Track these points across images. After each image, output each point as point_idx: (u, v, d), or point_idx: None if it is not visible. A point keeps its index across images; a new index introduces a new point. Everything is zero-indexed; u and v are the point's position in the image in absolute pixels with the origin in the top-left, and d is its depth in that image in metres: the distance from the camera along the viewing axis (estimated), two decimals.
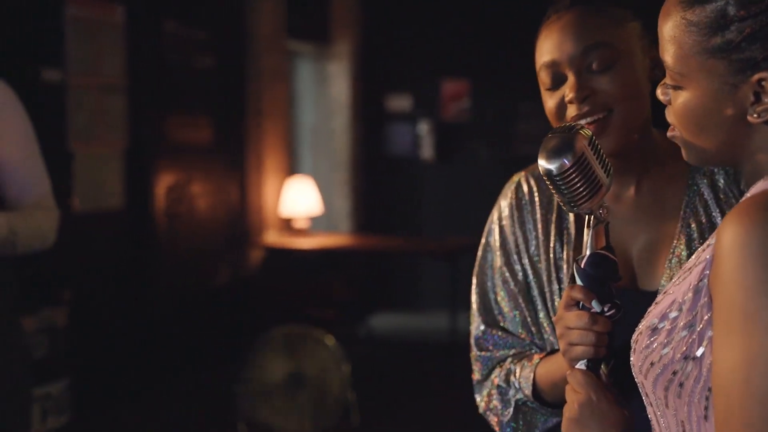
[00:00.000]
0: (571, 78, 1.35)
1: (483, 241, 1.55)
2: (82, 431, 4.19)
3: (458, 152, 7.34)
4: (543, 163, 1.16)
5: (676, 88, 1.06)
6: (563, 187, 1.16)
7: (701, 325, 0.96)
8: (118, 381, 4.81)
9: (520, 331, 1.48)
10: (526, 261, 1.47)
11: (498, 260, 1.50)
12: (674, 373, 0.98)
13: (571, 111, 1.35)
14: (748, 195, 1.00)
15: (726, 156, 1.06)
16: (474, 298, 1.54)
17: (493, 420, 1.49)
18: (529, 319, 1.47)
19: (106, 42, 4.76)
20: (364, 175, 7.47)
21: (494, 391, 1.47)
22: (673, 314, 1.00)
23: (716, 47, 1.00)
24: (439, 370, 5.39)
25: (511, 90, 6.55)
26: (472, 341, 1.53)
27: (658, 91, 1.11)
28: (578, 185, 1.16)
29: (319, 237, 6.23)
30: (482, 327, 1.51)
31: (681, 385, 0.98)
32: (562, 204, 1.21)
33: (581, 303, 1.20)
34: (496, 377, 1.47)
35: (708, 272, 0.96)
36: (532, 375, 1.40)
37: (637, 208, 1.42)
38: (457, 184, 7.19)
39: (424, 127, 7.37)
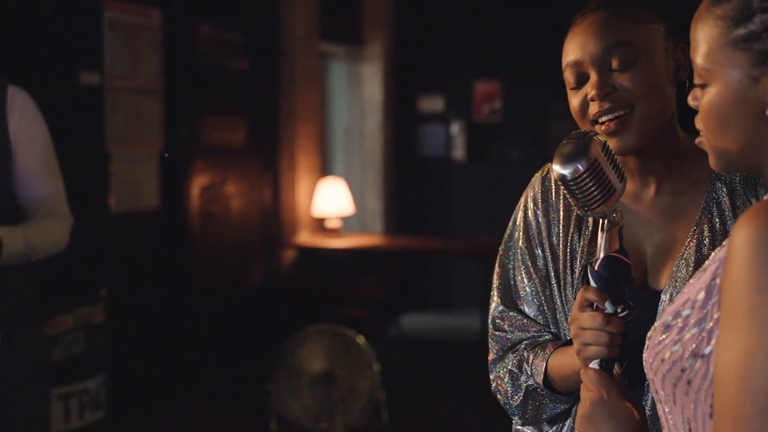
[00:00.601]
0: (593, 76, 1.39)
1: (509, 226, 1.58)
2: (118, 426, 4.25)
3: (490, 153, 7.36)
4: (557, 169, 1.20)
5: (704, 87, 1.08)
6: (577, 192, 1.20)
7: (711, 324, 0.98)
8: (153, 378, 4.89)
9: (536, 314, 1.52)
10: (547, 248, 1.51)
11: (521, 245, 1.54)
12: (683, 370, 1.00)
13: (593, 108, 1.39)
14: (764, 198, 1.02)
15: (749, 159, 1.07)
16: (495, 278, 1.58)
17: (501, 401, 1.54)
18: (545, 305, 1.51)
19: (143, 45, 4.84)
20: (397, 175, 7.52)
21: (506, 375, 1.51)
22: (686, 312, 1.02)
23: (740, 38, 1.02)
24: (469, 370, 5.40)
25: (543, 90, 6.56)
26: (489, 320, 1.57)
27: (689, 97, 1.13)
28: (592, 190, 1.20)
29: (350, 237, 6.29)
30: (500, 307, 1.55)
31: (689, 382, 0.99)
32: (576, 208, 1.24)
33: (595, 304, 1.23)
34: (509, 361, 1.51)
35: (720, 271, 0.97)
36: (544, 364, 1.44)
37: (655, 208, 1.45)
38: (489, 185, 7.21)
39: (456, 128, 7.40)
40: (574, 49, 1.42)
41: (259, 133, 5.86)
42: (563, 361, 1.40)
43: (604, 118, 1.38)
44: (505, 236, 1.59)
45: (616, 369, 1.25)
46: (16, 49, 4.00)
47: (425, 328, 6.93)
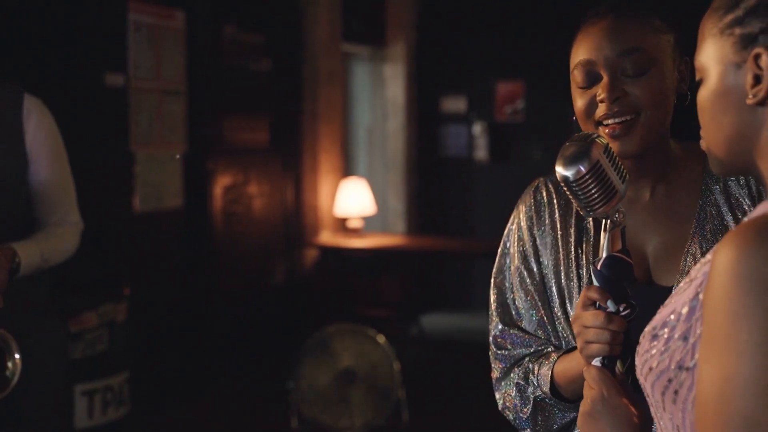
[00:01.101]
0: (605, 78, 1.41)
1: (502, 243, 1.60)
2: (142, 423, 4.31)
3: (512, 153, 7.37)
4: (560, 170, 1.23)
5: (700, 82, 1.09)
6: (579, 193, 1.23)
7: (694, 339, 0.98)
8: (176, 375, 4.94)
9: (536, 330, 1.53)
10: (543, 261, 1.53)
11: (516, 262, 1.56)
12: (669, 380, 1.00)
13: (601, 110, 1.41)
14: (751, 216, 1.00)
15: (739, 155, 1.07)
16: (492, 298, 1.60)
17: (511, 417, 1.55)
18: (545, 319, 1.52)
19: (167, 47, 4.90)
20: (419, 176, 7.54)
21: (513, 389, 1.53)
22: (672, 323, 1.02)
23: (725, 25, 1.03)
24: (489, 369, 5.41)
25: (566, 91, 6.46)
26: (491, 340, 1.59)
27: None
28: (594, 191, 1.22)
29: (372, 237, 6.32)
30: (500, 326, 1.57)
31: (675, 392, 1.00)
32: (578, 209, 1.27)
33: (597, 303, 1.26)
34: (515, 375, 1.53)
35: (703, 287, 0.97)
36: (550, 372, 1.45)
37: (653, 210, 1.48)
38: (511, 185, 7.17)
39: (478, 128, 7.41)
40: (587, 49, 1.43)
41: (282, 134, 5.90)
42: (568, 365, 1.42)
43: (610, 121, 1.40)
44: (498, 255, 1.60)
45: (619, 367, 1.27)
46: (42, 52, 4.07)
47: (446, 327, 6.95)
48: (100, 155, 4.36)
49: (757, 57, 1.00)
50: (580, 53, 1.45)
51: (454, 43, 7.44)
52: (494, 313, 1.59)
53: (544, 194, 1.57)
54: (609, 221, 1.26)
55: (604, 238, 1.26)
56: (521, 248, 1.56)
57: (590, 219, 1.50)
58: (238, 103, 5.50)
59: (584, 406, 1.23)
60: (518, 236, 1.57)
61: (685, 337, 0.98)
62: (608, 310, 1.24)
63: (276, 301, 5.82)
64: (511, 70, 7.28)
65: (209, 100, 5.21)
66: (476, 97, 7.45)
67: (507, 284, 1.57)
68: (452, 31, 7.43)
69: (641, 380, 1.07)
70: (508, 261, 1.58)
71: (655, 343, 1.03)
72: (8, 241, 2.24)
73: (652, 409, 1.10)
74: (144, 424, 4.37)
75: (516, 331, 1.55)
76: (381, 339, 4.52)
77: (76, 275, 3.59)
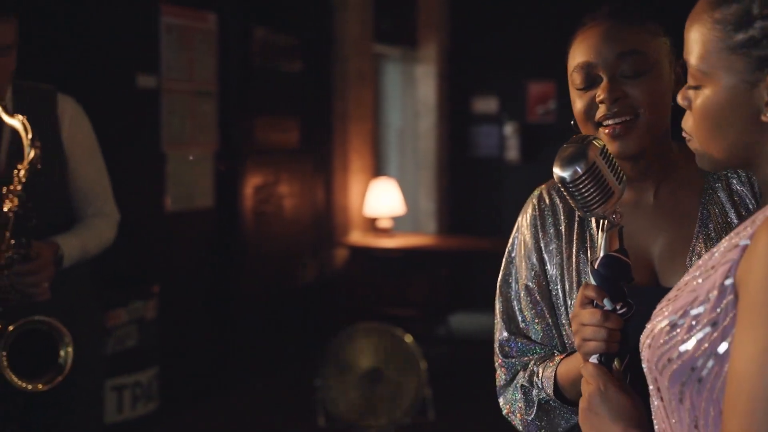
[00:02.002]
0: (604, 79, 1.43)
1: (507, 252, 1.63)
2: (170, 419, 4.37)
3: (543, 154, 7.34)
4: (557, 171, 1.26)
5: (697, 88, 1.11)
6: (576, 194, 1.25)
7: (725, 323, 0.98)
8: (205, 372, 5.00)
9: (542, 338, 1.55)
10: (548, 268, 1.55)
11: (522, 270, 1.58)
12: (693, 368, 1.00)
13: (601, 111, 1.44)
14: None
15: (738, 160, 1.10)
16: (498, 306, 1.61)
17: (516, 421, 1.57)
18: (551, 325, 1.54)
19: (199, 49, 4.97)
20: (450, 176, 7.56)
21: (519, 393, 1.54)
22: (695, 311, 1.02)
23: (738, 44, 1.04)
24: None
25: None
26: (496, 347, 1.60)
27: (679, 96, 1.16)
28: (590, 192, 1.24)
29: (402, 237, 6.35)
30: (506, 334, 1.58)
31: (700, 380, 1.00)
32: (576, 209, 1.29)
33: (595, 301, 1.28)
34: (520, 378, 1.55)
35: (734, 272, 0.99)
36: (553, 374, 1.47)
37: (656, 211, 1.50)
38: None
39: (509, 129, 7.41)
40: (585, 52, 1.46)
41: (313, 134, 5.95)
42: (571, 365, 1.44)
43: (609, 122, 1.43)
44: (503, 264, 1.62)
45: (616, 365, 1.29)
46: (75, 54, 4.14)
47: (474, 327, 6.95)
48: (132, 155, 4.43)
49: None
50: (579, 56, 1.47)
51: (486, 44, 7.45)
52: (500, 322, 1.61)
53: (548, 201, 1.59)
54: (606, 221, 1.28)
55: (602, 238, 1.28)
56: (527, 257, 1.58)
57: (593, 225, 1.52)
58: (269, 104, 5.55)
59: (582, 402, 1.25)
60: (523, 245, 1.59)
61: (714, 323, 0.99)
62: (605, 308, 1.27)
63: (305, 301, 5.87)
64: (543, 71, 7.26)
65: (240, 101, 5.26)
66: (508, 97, 7.45)
67: (512, 293, 1.60)
68: (484, 32, 7.44)
69: (654, 375, 1.08)
70: (513, 270, 1.61)
71: (675, 333, 1.03)
72: (50, 235, 2.35)
73: (659, 410, 1.10)
74: (172, 420, 4.44)
75: (522, 340, 1.57)
76: (408, 338, 4.55)
77: (108, 272, 3.67)
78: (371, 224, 6.40)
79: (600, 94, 1.43)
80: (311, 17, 5.99)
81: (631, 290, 1.35)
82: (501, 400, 1.60)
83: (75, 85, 2.63)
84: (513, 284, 1.60)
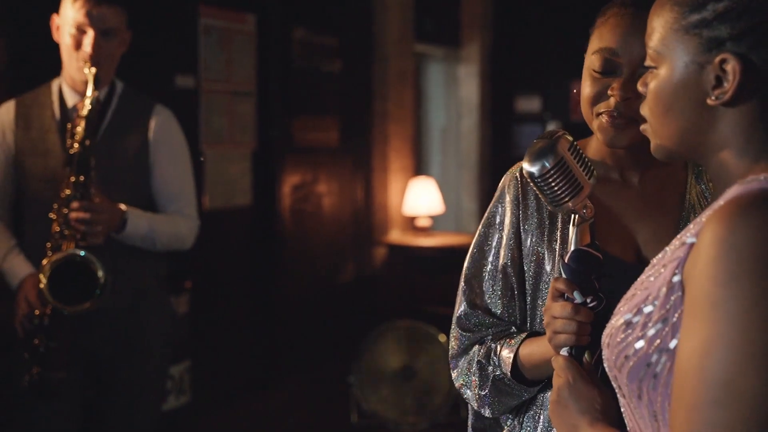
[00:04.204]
0: (624, 74, 1.41)
1: (482, 224, 1.61)
2: (201, 413, 4.43)
3: None
4: (526, 166, 1.28)
5: (653, 69, 1.13)
6: (545, 188, 1.27)
7: (674, 319, 1.01)
8: (240, 369, 5.07)
9: (501, 313, 1.55)
10: (526, 246, 1.54)
11: (503, 245, 1.56)
12: (648, 365, 1.03)
13: (609, 104, 1.41)
14: (725, 198, 1.03)
15: (690, 146, 1.11)
16: (462, 282, 1.61)
17: (469, 395, 1.57)
18: (516, 301, 1.54)
19: (238, 49, 5.05)
20: (492, 175, 7.54)
21: (474, 367, 1.55)
22: (647, 308, 1.04)
23: (692, 24, 1.06)
24: None
25: None
26: (454, 320, 1.61)
27: (638, 83, 1.16)
28: (559, 186, 1.26)
29: (440, 236, 6.37)
30: (466, 307, 1.58)
31: (655, 376, 1.02)
32: (546, 204, 1.31)
33: (566, 295, 1.30)
34: (477, 353, 1.55)
35: (681, 269, 1.01)
36: (512, 356, 1.48)
37: (642, 196, 1.51)
38: None
39: (552, 128, 7.37)
40: (615, 38, 1.42)
41: (352, 134, 5.99)
42: (535, 349, 1.46)
43: (613, 113, 1.42)
44: (477, 235, 1.62)
45: (587, 358, 1.31)
46: None
47: None
48: None
49: (723, 62, 1.04)
50: (606, 40, 1.43)
51: (529, 43, 7.42)
52: (461, 296, 1.60)
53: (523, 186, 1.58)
54: (577, 216, 1.29)
55: (573, 232, 1.30)
56: (506, 230, 1.56)
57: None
58: (308, 104, 5.61)
59: (552, 395, 1.27)
60: (503, 220, 1.57)
61: (664, 320, 1.01)
62: (576, 301, 1.28)
63: (343, 299, 5.91)
64: None
65: (279, 101, 5.32)
66: (551, 96, 7.41)
67: (487, 266, 1.58)
68: (527, 31, 7.41)
69: (614, 373, 1.10)
70: (490, 242, 1.59)
71: (630, 331, 1.06)
72: None
73: (625, 406, 1.12)
74: (204, 415, 4.50)
75: (480, 313, 1.56)
76: (442, 338, 4.57)
77: None
78: (410, 223, 6.43)
79: (615, 87, 1.40)
80: (351, 18, 6.03)
81: (618, 265, 1.37)
82: (454, 373, 1.59)
83: None
84: (490, 257, 1.58)
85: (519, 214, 1.55)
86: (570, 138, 1.28)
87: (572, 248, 1.29)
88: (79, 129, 2.47)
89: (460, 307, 1.60)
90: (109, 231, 2.52)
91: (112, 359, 2.66)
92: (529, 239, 1.54)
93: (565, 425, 1.23)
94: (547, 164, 1.25)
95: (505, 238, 1.56)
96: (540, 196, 1.30)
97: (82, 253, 2.43)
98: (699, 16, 1.06)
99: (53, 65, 2.91)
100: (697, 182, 1.51)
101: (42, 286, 2.42)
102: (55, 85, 2.68)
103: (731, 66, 1.03)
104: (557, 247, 1.51)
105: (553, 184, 1.26)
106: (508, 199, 1.57)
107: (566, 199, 1.27)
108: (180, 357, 3.89)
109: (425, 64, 7.26)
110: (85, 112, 2.48)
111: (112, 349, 2.66)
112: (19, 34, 3.58)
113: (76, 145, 2.47)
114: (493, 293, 1.57)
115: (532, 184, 1.29)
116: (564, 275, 1.30)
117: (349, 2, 6.04)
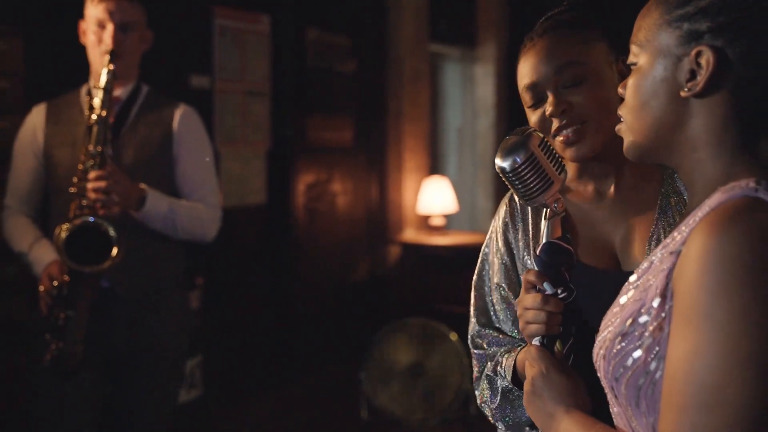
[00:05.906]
0: (549, 96, 1.51)
1: (482, 249, 1.69)
2: (212, 407, 4.48)
3: None
4: (498, 161, 1.32)
5: (634, 65, 1.15)
6: (517, 183, 1.32)
7: (669, 327, 1.02)
8: (253, 364, 5.11)
9: (512, 330, 1.61)
10: (519, 265, 1.61)
11: (495, 268, 1.64)
12: (647, 373, 1.04)
13: (554, 125, 1.51)
14: (709, 205, 1.04)
15: (663, 143, 1.13)
16: (472, 301, 1.69)
17: (486, 411, 1.62)
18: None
19: (252, 50, 5.11)
20: None
21: (485, 381, 1.60)
22: (643, 318, 1.06)
23: (675, 17, 1.10)
24: None
25: None
26: (469, 341, 1.68)
27: (619, 87, 1.20)
28: (530, 181, 1.31)
29: (454, 235, 6.40)
30: (477, 327, 1.65)
31: (653, 384, 1.04)
32: (518, 198, 1.36)
33: (537, 286, 1.34)
34: (487, 369, 1.60)
35: (671, 277, 1.03)
36: (512, 363, 1.53)
37: (618, 202, 1.56)
38: None
39: None
40: (528, 72, 1.54)
41: (366, 133, 6.03)
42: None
43: (562, 132, 1.50)
44: (479, 261, 1.69)
45: (558, 347, 1.35)
46: None
47: None
48: None
49: (699, 54, 1.07)
50: (524, 77, 1.55)
51: None
52: (473, 316, 1.67)
53: (517, 201, 1.64)
54: (549, 210, 1.34)
55: (544, 225, 1.34)
56: (499, 256, 1.63)
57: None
58: (322, 103, 5.65)
59: (527, 385, 1.30)
60: (496, 243, 1.65)
61: (660, 329, 1.03)
62: (546, 292, 1.32)
63: (357, 297, 5.95)
64: None
65: (293, 101, 5.37)
66: None
67: (486, 288, 1.66)
68: None
69: (611, 383, 1.11)
70: (486, 267, 1.67)
71: (627, 342, 1.07)
72: None
73: (620, 415, 1.13)
74: (215, 409, 4.55)
75: (492, 331, 1.63)
76: (453, 336, 4.60)
77: None
78: (424, 222, 6.46)
79: (548, 108, 1.50)
80: (365, 18, 6.07)
81: (593, 274, 1.41)
82: (477, 393, 1.65)
83: None
84: (486, 279, 1.66)
85: (508, 236, 1.63)
86: (541, 135, 1.33)
87: (543, 240, 1.34)
88: (96, 100, 2.57)
89: (472, 328, 1.67)
90: (127, 203, 2.59)
91: (131, 353, 2.72)
92: (519, 258, 1.61)
93: (541, 414, 1.26)
94: (518, 159, 1.30)
95: (497, 261, 1.64)
96: (512, 190, 1.35)
97: (91, 218, 2.50)
98: (683, 10, 1.09)
99: (70, 67, 3.02)
100: (671, 181, 1.54)
101: (59, 249, 2.50)
102: (84, 88, 2.83)
103: (705, 58, 1.06)
104: None
105: (524, 178, 1.31)
106: (499, 222, 1.66)
107: (537, 193, 1.31)
108: (191, 352, 3.94)
109: (442, 63, 7.30)
110: (102, 83, 2.59)
111: (130, 343, 2.71)
112: (36, 36, 3.66)
113: (94, 117, 2.57)
114: (497, 311, 1.64)
115: (504, 178, 1.33)
116: (536, 267, 1.34)
117: (363, 2, 6.08)
